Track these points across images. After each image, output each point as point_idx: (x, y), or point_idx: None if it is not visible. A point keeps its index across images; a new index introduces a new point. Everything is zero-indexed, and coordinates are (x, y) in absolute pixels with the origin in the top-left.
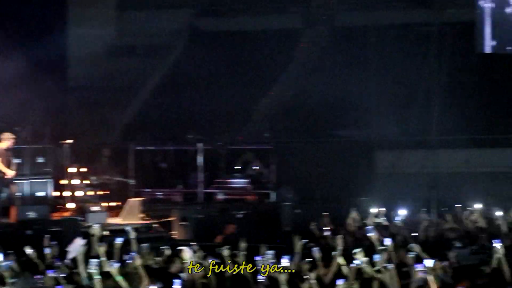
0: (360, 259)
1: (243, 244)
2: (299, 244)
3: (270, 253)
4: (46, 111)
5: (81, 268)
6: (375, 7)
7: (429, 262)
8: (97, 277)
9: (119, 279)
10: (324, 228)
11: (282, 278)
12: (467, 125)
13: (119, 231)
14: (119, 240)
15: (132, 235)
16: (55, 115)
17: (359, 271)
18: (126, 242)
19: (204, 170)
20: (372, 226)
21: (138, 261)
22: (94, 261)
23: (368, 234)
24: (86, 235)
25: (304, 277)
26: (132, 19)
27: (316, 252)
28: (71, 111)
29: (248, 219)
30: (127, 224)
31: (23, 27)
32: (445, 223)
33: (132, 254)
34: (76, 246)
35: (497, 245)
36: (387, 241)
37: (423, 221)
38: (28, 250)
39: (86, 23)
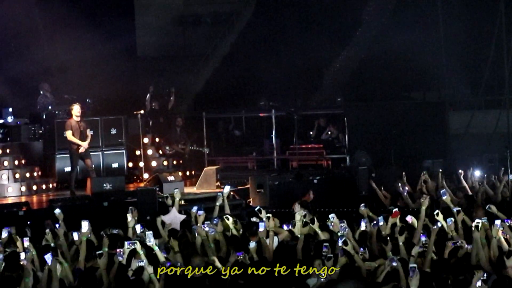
0: (440, 220)
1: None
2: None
3: (332, 216)
4: (117, 82)
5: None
6: None
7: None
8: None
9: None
10: (401, 190)
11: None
12: None
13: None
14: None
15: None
16: (126, 85)
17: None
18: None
19: (277, 136)
20: (444, 190)
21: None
22: (149, 233)
23: (443, 198)
24: (164, 205)
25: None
26: None
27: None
28: (142, 81)
29: (324, 184)
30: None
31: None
32: None
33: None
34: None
35: None
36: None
37: (498, 181)
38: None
39: None
